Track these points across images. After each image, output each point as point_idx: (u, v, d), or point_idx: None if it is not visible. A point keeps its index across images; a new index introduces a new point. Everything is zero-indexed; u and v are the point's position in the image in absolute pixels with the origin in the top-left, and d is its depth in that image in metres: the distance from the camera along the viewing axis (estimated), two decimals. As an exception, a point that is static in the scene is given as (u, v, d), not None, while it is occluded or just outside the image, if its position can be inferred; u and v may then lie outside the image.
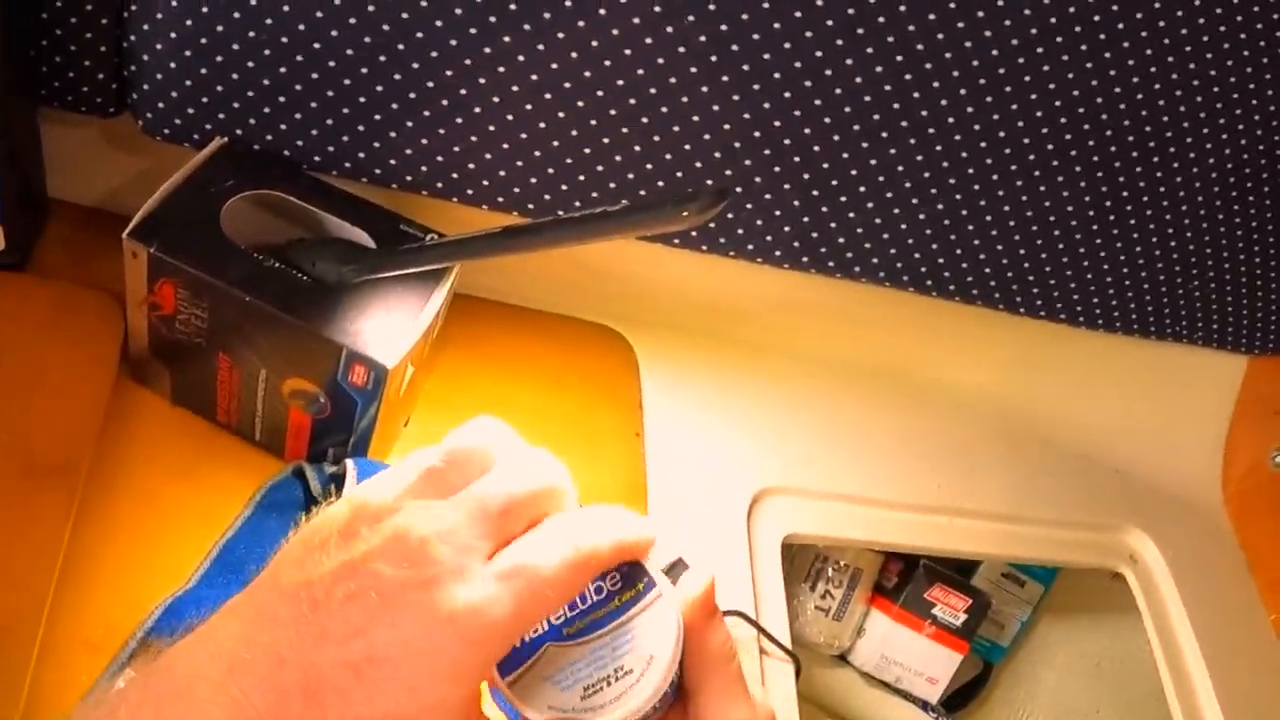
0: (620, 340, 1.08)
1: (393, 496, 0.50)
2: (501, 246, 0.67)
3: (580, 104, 0.84)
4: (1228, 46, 0.92)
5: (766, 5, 0.82)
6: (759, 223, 0.93)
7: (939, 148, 0.92)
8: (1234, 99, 0.96)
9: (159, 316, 0.81)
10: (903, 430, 1.16)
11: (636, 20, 0.81)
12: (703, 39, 0.83)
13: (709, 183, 0.89)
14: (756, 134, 0.88)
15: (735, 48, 0.83)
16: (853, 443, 1.12)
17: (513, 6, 0.79)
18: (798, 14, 0.83)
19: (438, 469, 0.53)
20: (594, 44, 0.81)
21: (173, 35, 0.80)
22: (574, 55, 0.82)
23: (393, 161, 0.86)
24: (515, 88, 0.83)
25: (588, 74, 0.83)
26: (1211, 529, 1.27)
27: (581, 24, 0.80)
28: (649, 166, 0.88)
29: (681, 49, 0.83)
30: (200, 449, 0.87)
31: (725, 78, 0.85)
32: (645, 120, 0.86)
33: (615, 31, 0.81)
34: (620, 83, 0.84)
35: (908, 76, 0.87)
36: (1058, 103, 0.92)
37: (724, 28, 0.82)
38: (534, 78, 0.83)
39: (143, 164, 0.94)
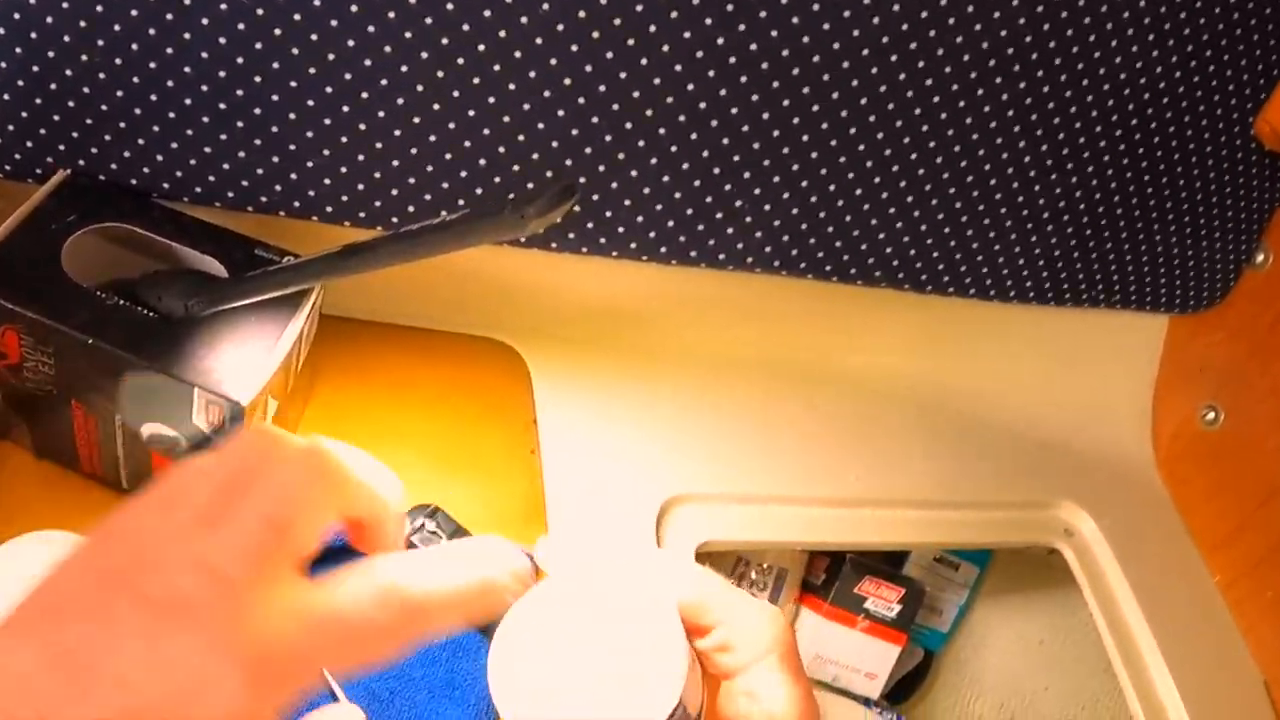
0: (510, 353, 1.03)
1: None
2: (340, 267, 0.63)
3: (436, 106, 0.80)
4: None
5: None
6: (640, 219, 0.88)
7: (824, 125, 0.88)
8: (1128, 50, 0.92)
9: (5, 366, 0.76)
10: (814, 423, 1.12)
11: (488, 13, 0.77)
12: (560, 28, 0.78)
13: (558, 178, 0.84)
14: (628, 125, 0.84)
15: (596, 34, 0.79)
16: (762, 440, 1.07)
17: (353, 8, 0.75)
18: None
19: None
20: (444, 41, 0.77)
21: (1, 65, 0.75)
22: (424, 55, 0.77)
23: (244, 183, 0.82)
24: (365, 94, 0.79)
25: (440, 74, 0.78)
26: (1146, 495, 1.24)
27: (429, 20, 0.76)
28: (516, 168, 0.83)
29: (539, 40, 0.79)
30: (69, 503, 0.81)
31: (588, 67, 0.81)
32: (507, 119, 0.81)
33: (466, 27, 0.77)
34: (476, 80, 0.79)
35: (784, 52, 0.83)
36: (945, 69, 0.88)
37: (581, 14, 0.78)
38: (384, 82, 0.78)
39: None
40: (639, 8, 0.79)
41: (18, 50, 0.75)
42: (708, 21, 0.80)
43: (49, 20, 0.74)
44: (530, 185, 0.84)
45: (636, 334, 1.08)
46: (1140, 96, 0.95)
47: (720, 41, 0.81)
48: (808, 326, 1.13)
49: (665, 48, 0.80)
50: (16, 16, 0.74)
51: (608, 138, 0.84)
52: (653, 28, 0.79)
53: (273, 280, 0.70)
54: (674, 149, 0.85)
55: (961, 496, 1.13)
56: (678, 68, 0.82)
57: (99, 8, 0.74)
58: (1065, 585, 1.17)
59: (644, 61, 0.81)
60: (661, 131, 0.84)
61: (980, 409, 1.21)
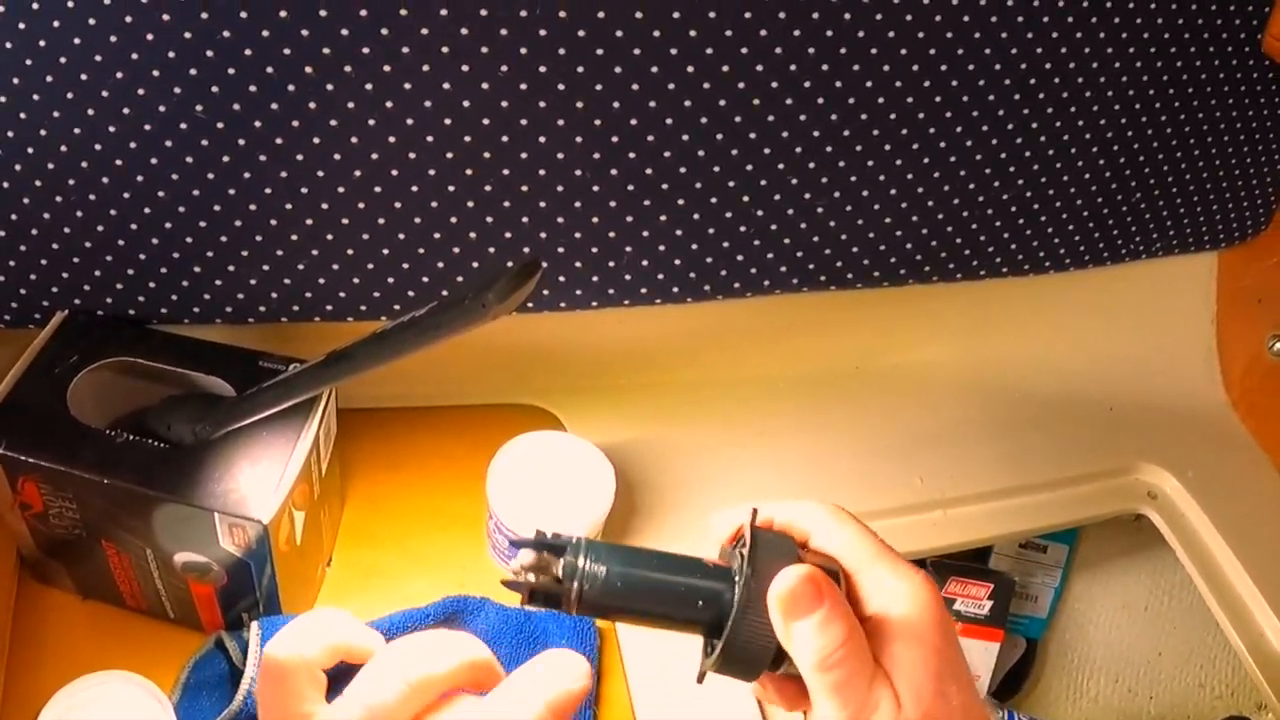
0: (546, 416, 1.01)
1: None
2: (326, 377, 0.62)
3: (415, 188, 0.78)
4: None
5: (563, 52, 0.76)
6: (644, 263, 0.86)
7: (815, 132, 0.85)
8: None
9: (33, 515, 0.76)
10: (868, 431, 1.09)
11: (447, 86, 0.75)
12: (524, 86, 0.76)
13: (520, 259, 0.82)
14: (613, 171, 0.82)
15: (561, 86, 0.77)
16: (819, 459, 1.05)
17: (312, 105, 0.73)
18: (637, 51, 0.77)
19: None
20: (409, 121, 0.76)
21: (-20, 218, 0.75)
22: (392, 139, 0.76)
23: (240, 296, 0.81)
24: (341, 188, 0.77)
25: (412, 154, 0.77)
26: (1225, 438, 1.20)
27: (390, 104, 0.75)
28: (508, 234, 0.82)
29: (504, 104, 0.77)
30: (119, 640, 0.81)
31: (561, 120, 0.79)
32: (489, 188, 0.80)
33: (429, 104, 0.75)
34: (450, 155, 0.78)
35: (759, 67, 0.81)
36: (930, 50, 0.85)
37: (542, 69, 0.76)
38: (357, 173, 0.77)
39: (3, 355, 0.88)
40: (600, 51, 0.76)
41: (-7, 202, 0.75)
42: (673, 52, 0.78)
43: (18, 168, 0.74)
44: (525, 249, 0.83)
45: (668, 374, 1.06)
46: (1140, 36, 0.91)
47: (690, 70, 0.79)
48: (843, 335, 1.10)
49: (635, 86, 0.78)
50: (-14, 169, 0.73)
51: (595, 188, 0.82)
52: (618, 69, 0.77)
53: (268, 397, 0.69)
54: (665, 186, 0.83)
55: (1035, 479, 1.10)
56: (652, 104, 0.79)
57: (63, 148, 0.73)
58: (1159, 544, 1.13)
59: (616, 105, 0.79)
60: (649, 171, 0.82)
61: (1040, 385, 1.17)
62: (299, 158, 0.75)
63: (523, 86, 0.76)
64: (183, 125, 0.73)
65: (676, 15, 0.76)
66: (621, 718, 0.82)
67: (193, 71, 0.71)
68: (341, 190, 0.77)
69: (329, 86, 0.73)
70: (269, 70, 0.72)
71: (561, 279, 0.85)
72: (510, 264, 0.81)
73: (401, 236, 0.80)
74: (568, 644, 0.83)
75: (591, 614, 0.57)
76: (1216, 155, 1.03)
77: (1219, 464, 1.15)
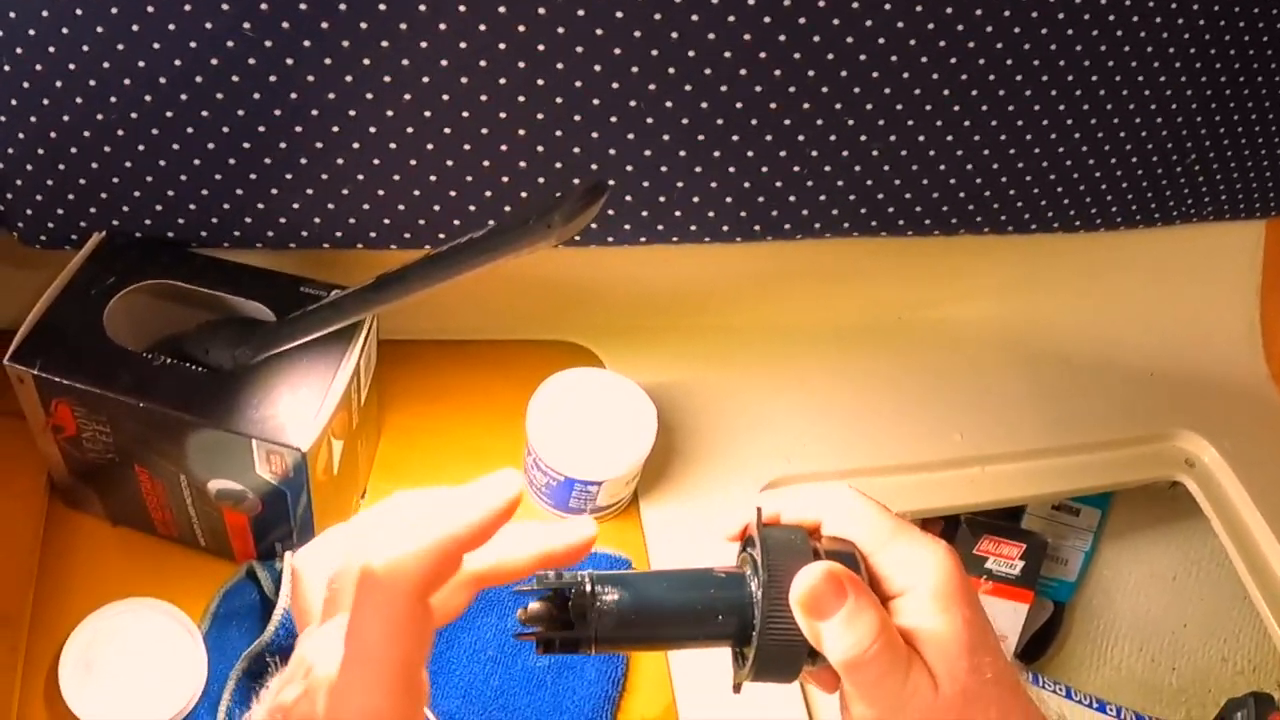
0: (585, 354, 1.00)
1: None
2: (375, 300, 0.61)
3: (465, 114, 0.76)
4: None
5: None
6: (695, 199, 0.84)
7: (875, 74, 0.83)
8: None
9: (65, 439, 0.74)
10: (909, 383, 1.07)
11: (502, 9, 0.73)
12: (581, 12, 0.74)
13: (597, 173, 0.81)
14: (668, 104, 0.79)
15: (620, 14, 0.75)
16: (859, 409, 1.03)
17: (363, 25, 0.71)
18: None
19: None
20: (462, 45, 0.73)
21: (20, 136, 0.73)
22: (444, 63, 0.74)
23: (282, 220, 0.79)
24: (390, 112, 0.75)
25: (464, 79, 0.75)
26: (1265, 411, 1.18)
27: (443, 26, 0.72)
28: (558, 165, 0.80)
29: (561, 29, 0.74)
30: (149, 567, 0.80)
31: (618, 49, 0.76)
32: (541, 116, 0.77)
33: (483, 27, 0.73)
34: (503, 81, 0.75)
35: (820, 3, 0.78)
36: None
37: (580, 12, 0.74)
38: (406, 97, 0.75)
39: (40, 276, 0.86)
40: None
41: (33, 119, 0.73)
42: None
43: (59, 84, 0.71)
44: (576, 180, 0.81)
45: (711, 317, 1.05)
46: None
47: (751, 3, 0.76)
48: (888, 285, 1.09)
49: (694, 17, 0.76)
50: (26, 85, 0.71)
51: (649, 120, 0.80)
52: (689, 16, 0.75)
53: (312, 321, 0.67)
54: (720, 122, 0.81)
55: (1073, 440, 1.09)
56: (711, 36, 0.77)
57: (105, 64, 0.71)
58: (1191, 515, 1.12)
59: (674, 35, 0.76)
60: (704, 105, 0.80)
61: (1080, 345, 1.16)
62: (347, 79, 0.73)
63: (580, 12, 0.73)
64: (229, 43, 0.71)
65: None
66: (663, 699, 0.82)
67: (241, -14, 0.69)
68: (390, 114, 0.75)
69: (381, 6, 0.70)
70: (321, -13, 0.70)
71: (610, 212, 0.84)
72: (575, 184, 0.80)
73: (450, 163, 0.78)
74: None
75: (613, 650, 0.56)
76: (1273, 121, 1.01)
77: (1258, 436, 1.14)
